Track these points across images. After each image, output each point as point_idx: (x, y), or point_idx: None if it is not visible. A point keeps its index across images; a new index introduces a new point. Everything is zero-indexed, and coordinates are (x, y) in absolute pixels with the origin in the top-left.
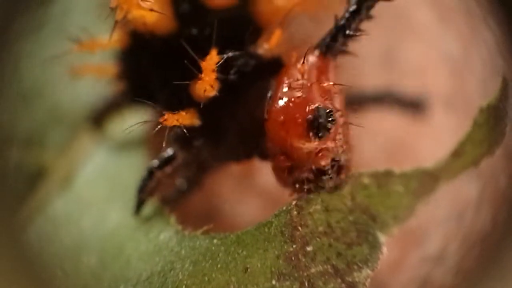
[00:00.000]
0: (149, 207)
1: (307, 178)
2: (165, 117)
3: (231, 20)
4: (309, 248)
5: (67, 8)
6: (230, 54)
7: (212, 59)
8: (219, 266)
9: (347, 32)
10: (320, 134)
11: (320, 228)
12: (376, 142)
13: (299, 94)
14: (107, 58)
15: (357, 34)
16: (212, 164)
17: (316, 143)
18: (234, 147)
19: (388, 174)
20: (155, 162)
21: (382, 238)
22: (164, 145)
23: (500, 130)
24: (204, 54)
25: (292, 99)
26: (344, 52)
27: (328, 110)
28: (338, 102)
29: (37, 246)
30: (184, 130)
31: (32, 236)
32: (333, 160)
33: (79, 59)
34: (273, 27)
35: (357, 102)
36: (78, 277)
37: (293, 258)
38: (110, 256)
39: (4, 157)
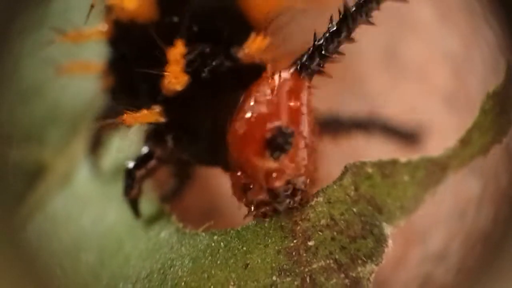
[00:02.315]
0: (149, 206)
1: (262, 200)
2: (124, 117)
3: (215, 10)
4: (310, 243)
5: (67, 7)
6: (202, 49)
7: (177, 50)
8: (218, 262)
9: (324, 53)
10: (275, 155)
11: (323, 221)
12: (378, 140)
13: (263, 109)
14: (95, 54)
15: (334, 56)
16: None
17: (272, 163)
18: (200, 150)
19: (393, 162)
20: (131, 163)
21: (388, 230)
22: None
23: (507, 117)
24: (158, 42)
25: (256, 114)
26: (320, 73)
27: (288, 132)
28: (305, 125)
29: (36, 244)
30: (155, 126)
31: (31, 234)
32: (288, 182)
33: (67, 56)
34: (261, 26)
35: (334, 127)
36: (77, 275)
37: (294, 253)
38: (109, 254)
39: (3, 155)
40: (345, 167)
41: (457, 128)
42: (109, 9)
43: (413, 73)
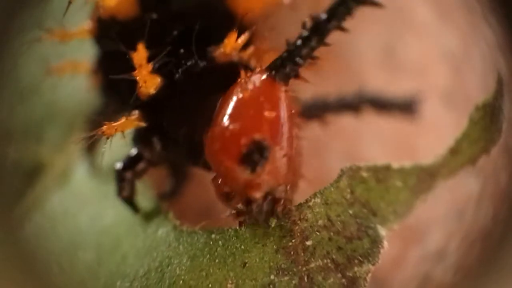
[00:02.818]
0: (146, 204)
1: (241, 209)
2: (103, 128)
3: (200, 7)
4: (308, 242)
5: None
6: (167, 50)
7: (140, 54)
8: (217, 261)
9: (297, 58)
10: (251, 169)
11: (320, 222)
12: (376, 137)
13: (238, 121)
14: (85, 53)
15: (307, 62)
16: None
17: (249, 174)
18: (183, 153)
19: (386, 168)
20: (120, 165)
21: (383, 232)
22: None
23: (496, 128)
24: (159, 43)
25: (231, 126)
26: (296, 77)
27: (264, 145)
28: (282, 134)
29: (34, 242)
30: (140, 129)
31: (29, 232)
32: (267, 193)
33: (62, 56)
34: (247, 24)
35: (322, 110)
36: (74, 273)
37: (292, 252)
38: (107, 252)
39: (1, 154)
40: (341, 170)
41: (455, 126)
42: (94, 7)
43: (411, 71)
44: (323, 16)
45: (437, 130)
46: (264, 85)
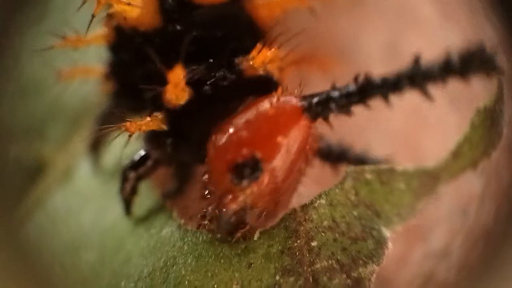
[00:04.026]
0: (150, 203)
1: (209, 213)
2: (127, 124)
3: (221, 18)
4: (313, 243)
5: (67, 2)
6: (205, 66)
7: (177, 73)
8: (222, 261)
9: (332, 105)
10: (237, 181)
11: (325, 223)
12: (379, 137)
13: (249, 132)
14: (96, 59)
15: (341, 113)
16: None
17: (233, 185)
18: (194, 154)
19: (390, 171)
20: (127, 164)
21: (387, 233)
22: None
23: (497, 132)
24: (186, 54)
25: (240, 133)
26: (325, 120)
27: (259, 165)
28: (281, 163)
29: (36, 241)
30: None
31: (31, 232)
32: (240, 210)
33: (68, 59)
34: (268, 32)
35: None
36: (77, 274)
37: (297, 253)
38: (110, 252)
39: (3, 151)
40: (346, 171)
41: (459, 125)
42: (110, 15)
43: None
44: (377, 80)
45: (441, 130)
46: (291, 110)
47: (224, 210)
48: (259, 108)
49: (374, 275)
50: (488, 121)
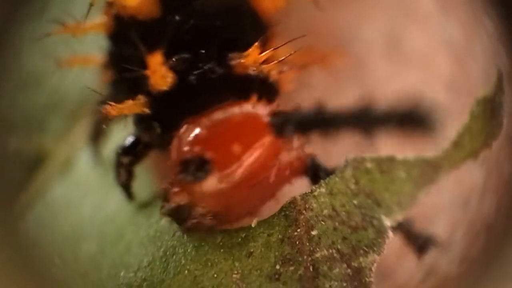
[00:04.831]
0: (149, 192)
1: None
2: (108, 108)
3: (221, 8)
4: (313, 232)
5: None
6: (186, 56)
7: (156, 60)
8: (222, 250)
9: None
10: (179, 176)
11: (325, 212)
12: None
13: (211, 132)
14: (94, 47)
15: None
16: None
17: (178, 177)
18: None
19: (390, 159)
20: (119, 149)
21: (387, 222)
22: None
23: (497, 122)
24: (180, 42)
25: (203, 130)
26: (303, 136)
27: (206, 168)
28: (234, 172)
29: (35, 233)
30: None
31: (30, 223)
32: (184, 205)
33: (67, 50)
34: (270, 23)
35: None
36: (77, 264)
37: (297, 242)
38: (110, 242)
39: (3, 143)
40: (346, 160)
41: (459, 115)
42: (109, 3)
43: (415, 61)
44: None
45: (441, 119)
46: (256, 123)
47: (168, 199)
48: (229, 111)
49: (375, 265)
50: (488, 112)
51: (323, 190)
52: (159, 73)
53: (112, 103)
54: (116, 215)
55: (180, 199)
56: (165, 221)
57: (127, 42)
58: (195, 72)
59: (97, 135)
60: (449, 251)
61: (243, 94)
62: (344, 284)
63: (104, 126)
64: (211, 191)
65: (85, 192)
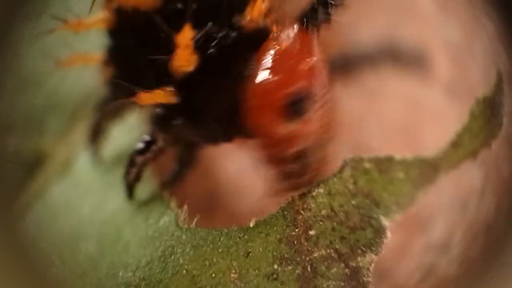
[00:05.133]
0: (147, 192)
1: (286, 173)
2: (139, 95)
3: None
4: (311, 232)
5: None
6: (208, 27)
7: (186, 35)
8: (220, 250)
9: (329, 1)
10: (295, 118)
11: (323, 212)
12: (378, 127)
13: (277, 73)
14: (94, 46)
15: (340, 3)
16: (199, 144)
17: (293, 125)
18: (212, 127)
19: (389, 160)
20: (136, 149)
21: (386, 222)
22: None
23: (497, 122)
24: (164, 28)
25: (270, 79)
26: (328, 22)
27: (306, 94)
28: (320, 80)
29: (34, 233)
30: (162, 110)
31: (29, 224)
32: (308, 145)
33: (67, 50)
34: None
35: (351, 63)
36: (76, 265)
37: (295, 242)
38: (109, 242)
39: (2, 144)
40: (344, 160)
41: (458, 116)
42: None
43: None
44: None
45: (440, 120)
46: (297, 35)
47: (293, 157)
48: (269, 51)
49: (373, 265)
50: (488, 111)
51: (321, 190)
52: (189, 50)
53: (142, 91)
54: (115, 215)
55: (302, 143)
56: (164, 221)
57: (132, 34)
58: (212, 44)
59: (96, 135)
60: (448, 252)
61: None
62: (342, 284)
63: (104, 127)
64: (321, 112)
65: (84, 193)
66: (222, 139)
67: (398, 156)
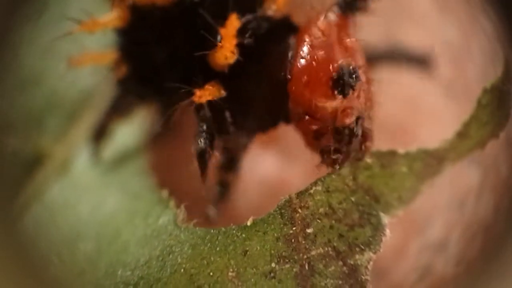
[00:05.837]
0: (146, 192)
1: (334, 148)
2: (198, 94)
3: None
4: (309, 230)
5: None
6: (245, 18)
7: (232, 25)
8: (218, 249)
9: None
10: (345, 92)
11: (321, 210)
12: (377, 125)
13: (321, 52)
14: (105, 45)
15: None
16: (244, 142)
17: (340, 101)
18: (260, 114)
19: (391, 154)
20: (202, 144)
21: (385, 219)
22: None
23: (505, 112)
24: (209, 20)
25: (315, 58)
26: (365, 9)
27: (351, 67)
28: (359, 59)
29: (33, 233)
30: (210, 112)
31: (28, 223)
32: (357, 118)
33: (77, 48)
34: None
35: (370, 58)
36: (74, 264)
37: (293, 240)
38: (107, 241)
39: (1, 144)
40: None
41: (456, 116)
42: None
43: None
44: None
45: (438, 119)
46: (335, 17)
47: (344, 131)
48: (311, 34)
49: (371, 263)
50: (496, 101)
51: (319, 188)
52: (234, 41)
53: (197, 89)
54: (114, 215)
55: (353, 115)
56: (163, 221)
57: (150, 31)
58: (247, 35)
59: (101, 135)
60: (446, 252)
61: (291, 30)
62: (340, 282)
63: (110, 127)
64: (365, 86)
65: (83, 192)
66: (270, 125)
67: (401, 150)
